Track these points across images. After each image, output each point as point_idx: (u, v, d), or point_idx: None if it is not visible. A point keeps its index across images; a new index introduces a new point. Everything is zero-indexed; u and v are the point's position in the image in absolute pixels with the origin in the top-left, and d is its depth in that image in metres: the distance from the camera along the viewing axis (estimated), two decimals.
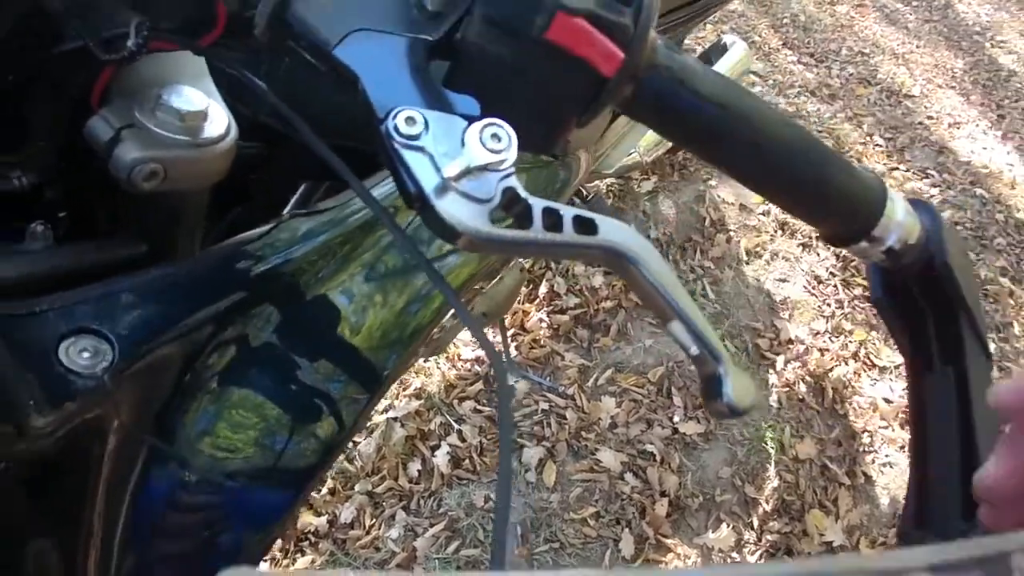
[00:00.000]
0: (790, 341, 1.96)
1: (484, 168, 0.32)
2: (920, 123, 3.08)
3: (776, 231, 2.25)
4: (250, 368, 0.45)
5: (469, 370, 1.73)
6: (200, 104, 0.38)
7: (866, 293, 2.15)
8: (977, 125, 3.21)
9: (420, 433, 1.60)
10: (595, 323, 1.90)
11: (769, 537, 1.61)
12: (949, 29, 4.13)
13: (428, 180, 0.32)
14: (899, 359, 1.93)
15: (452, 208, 0.32)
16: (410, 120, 0.32)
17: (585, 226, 0.34)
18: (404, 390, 1.67)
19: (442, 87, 0.35)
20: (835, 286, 2.14)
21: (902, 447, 1.80)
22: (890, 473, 1.76)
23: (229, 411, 0.44)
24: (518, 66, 0.34)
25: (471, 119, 0.33)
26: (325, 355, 0.49)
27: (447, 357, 1.74)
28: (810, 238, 2.23)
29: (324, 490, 1.54)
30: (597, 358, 1.83)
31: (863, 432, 1.81)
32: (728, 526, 1.61)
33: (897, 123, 3.02)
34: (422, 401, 1.65)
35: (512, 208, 0.33)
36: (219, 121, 0.40)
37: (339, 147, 0.38)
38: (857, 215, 0.43)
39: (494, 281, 1.18)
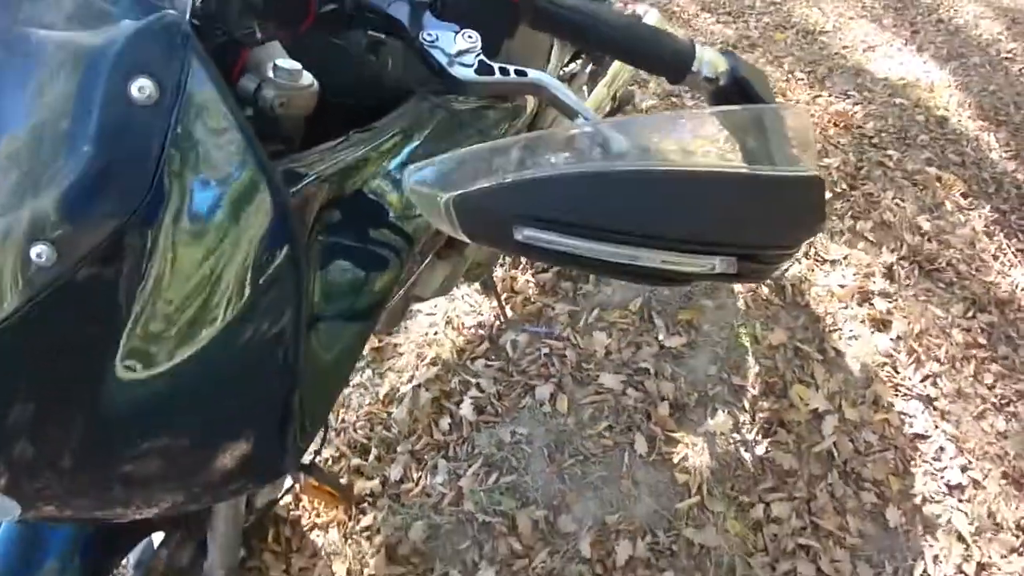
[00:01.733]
0: None
1: (467, 51, 0.67)
2: (836, 53, 3.37)
3: None
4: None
5: (475, 334, 1.99)
6: (296, 66, 0.66)
7: None
8: (891, 45, 3.49)
9: (443, 393, 1.85)
10: (575, 275, 2.16)
11: (761, 415, 1.84)
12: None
13: (443, 59, 0.67)
14: (845, 251, 2.19)
15: (455, 71, 0.67)
16: (431, 35, 0.68)
17: (522, 73, 0.67)
18: (421, 361, 1.93)
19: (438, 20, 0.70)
20: None
21: (862, 321, 2.05)
22: (856, 344, 2.01)
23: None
24: (475, 7, 0.68)
25: (455, 31, 0.68)
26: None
27: (453, 327, 2.01)
28: None
29: (371, 457, 1.78)
30: (583, 303, 2.09)
31: (826, 315, 2.06)
32: (724, 412, 1.85)
33: (815, 57, 3.32)
34: (439, 367, 1.91)
35: (483, 71, 0.67)
36: (306, 77, 0.67)
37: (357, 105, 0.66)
38: (680, 57, 0.69)
39: None
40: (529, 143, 0.52)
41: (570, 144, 0.52)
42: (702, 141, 0.52)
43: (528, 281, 2.14)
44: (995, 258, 2.28)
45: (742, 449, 1.79)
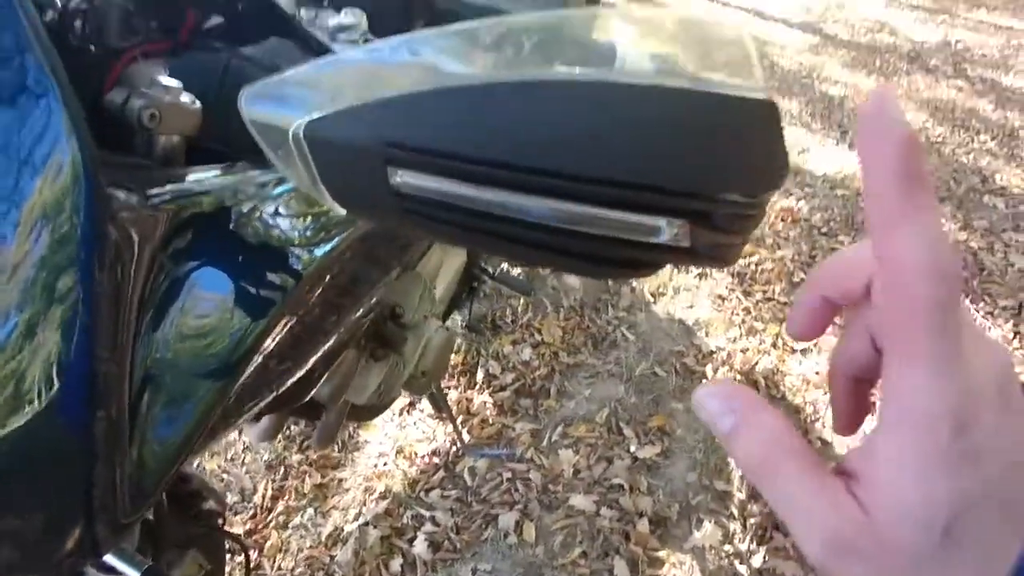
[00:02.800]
0: (712, 352, 2.10)
1: (350, 27, 0.62)
2: None
3: (671, 269, 2.45)
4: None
5: (429, 462, 1.81)
6: (175, 83, 0.62)
7: (766, 295, 2.34)
8: (823, 145, 3.58)
9: (394, 531, 1.64)
10: (535, 391, 2.01)
11: (752, 520, 1.66)
12: (779, 81, 4.65)
13: (323, 37, 0.64)
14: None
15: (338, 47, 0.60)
16: (310, 12, 0.66)
17: None
18: (369, 496, 1.73)
19: None
20: (737, 298, 2.32)
21: None
22: None
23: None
24: None
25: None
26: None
27: (404, 456, 1.82)
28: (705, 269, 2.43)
29: None
30: (545, 419, 1.93)
31: (805, 404, 1.92)
32: (711, 522, 1.66)
33: None
34: (389, 501, 1.71)
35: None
36: (186, 96, 0.62)
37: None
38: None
39: (423, 342, 1.29)
40: (409, 45, 0.40)
41: (466, 46, 0.39)
42: (626, 46, 0.39)
43: (485, 402, 1.98)
44: None
45: (737, 562, 1.59)
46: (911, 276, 0.22)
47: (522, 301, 2.30)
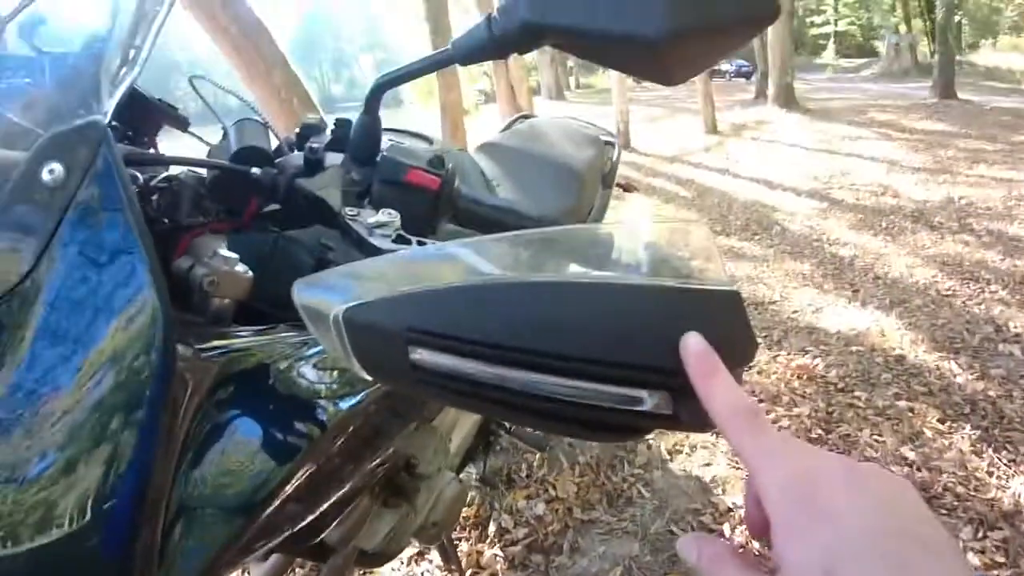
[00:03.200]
0: (729, 510, 2.06)
1: (386, 224, 0.72)
2: (788, 318, 3.50)
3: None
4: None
5: None
6: (233, 255, 0.71)
7: None
8: (836, 304, 3.64)
9: None
10: (547, 546, 1.97)
11: None
12: (791, 246, 4.80)
13: (362, 231, 0.72)
14: None
15: (374, 240, 0.70)
16: (353, 211, 0.75)
17: (420, 243, 0.72)
18: None
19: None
20: None
21: None
22: None
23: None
24: (398, 196, 0.76)
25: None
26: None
27: None
28: None
29: None
30: None
31: None
32: None
33: (768, 324, 3.43)
34: None
35: (400, 242, 0.71)
36: (241, 266, 0.72)
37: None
38: None
39: (436, 493, 1.31)
40: (423, 254, 0.49)
41: (480, 253, 0.48)
42: (618, 254, 0.48)
43: (496, 555, 1.93)
44: (990, 474, 2.14)
45: None
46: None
47: (537, 456, 2.30)
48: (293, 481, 0.70)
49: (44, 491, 0.50)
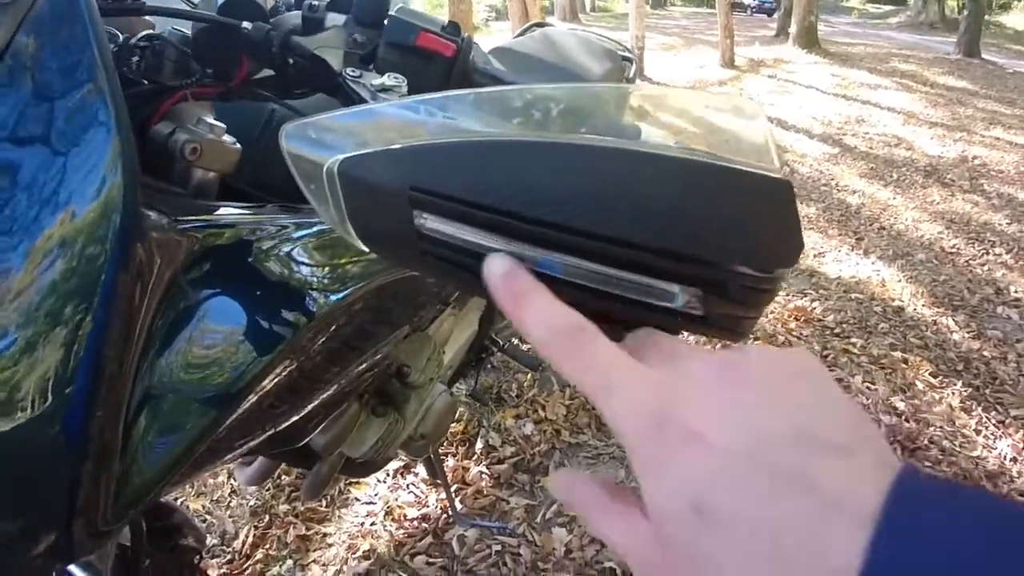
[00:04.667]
0: None
1: (391, 88, 0.64)
2: None
3: None
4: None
5: (417, 527, 1.77)
6: (220, 124, 0.64)
7: None
8: (839, 251, 3.61)
9: None
10: (533, 466, 1.98)
11: None
12: (799, 188, 4.73)
13: (366, 93, 0.65)
14: None
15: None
16: (354, 71, 0.66)
17: None
18: (352, 554, 1.69)
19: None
20: None
21: None
22: None
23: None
24: (407, 60, 0.67)
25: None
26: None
27: (393, 518, 1.78)
28: None
29: None
30: (541, 496, 1.89)
31: None
32: None
33: None
34: (371, 562, 1.66)
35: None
36: (228, 137, 0.65)
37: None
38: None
39: (426, 405, 1.28)
40: (442, 102, 0.42)
41: (498, 105, 0.42)
42: (654, 120, 0.42)
43: (481, 472, 1.94)
44: (977, 432, 2.16)
45: None
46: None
47: (529, 376, 2.29)
48: (273, 375, 0.66)
49: (8, 370, 0.47)
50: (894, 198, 4.57)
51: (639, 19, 9.23)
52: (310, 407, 0.84)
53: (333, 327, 0.75)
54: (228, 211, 0.65)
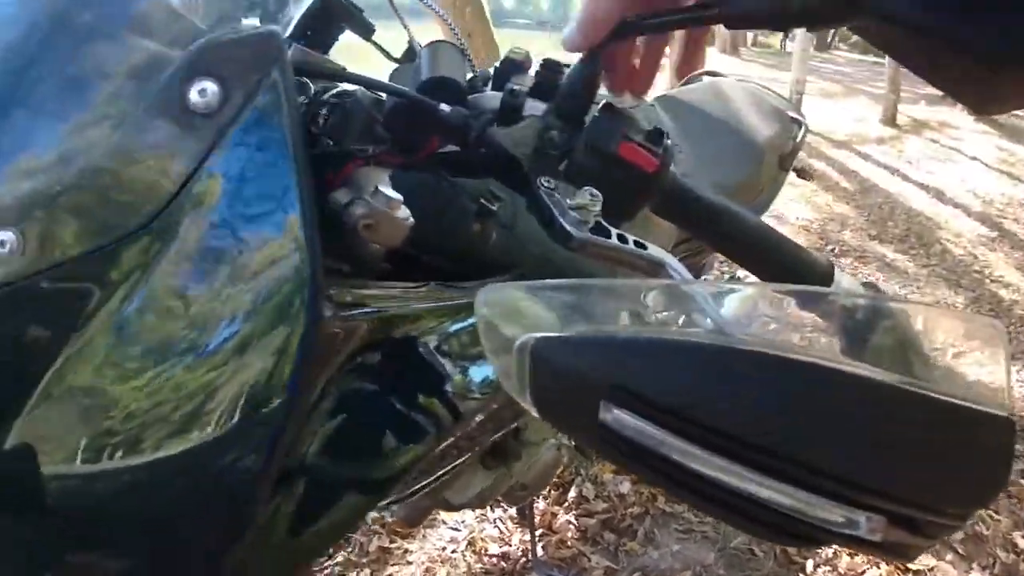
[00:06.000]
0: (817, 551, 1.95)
1: (586, 207, 0.58)
2: None
3: None
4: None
5: (496, 565, 1.75)
6: (397, 196, 0.62)
7: None
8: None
9: None
10: (622, 528, 1.93)
11: None
12: (948, 271, 4.43)
13: (557, 210, 0.58)
14: (932, 562, 1.91)
15: (568, 224, 0.56)
16: (550, 182, 0.61)
17: (641, 246, 0.57)
18: None
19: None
20: None
21: None
22: None
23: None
24: (602, 171, 0.61)
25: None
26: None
27: (475, 550, 1.77)
28: None
29: None
30: (624, 561, 1.83)
31: None
32: None
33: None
34: None
35: (599, 232, 0.57)
36: (404, 210, 0.63)
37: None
38: (815, 280, 0.59)
39: (534, 457, 1.27)
40: (657, 291, 0.39)
41: (717, 304, 0.39)
42: (882, 340, 0.37)
43: (569, 522, 1.91)
44: None
45: None
46: None
47: None
48: (418, 463, 0.64)
49: (215, 371, 0.45)
50: None
51: (802, 61, 8.90)
52: (436, 476, 0.84)
53: (476, 418, 0.74)
54: (391, 294, 0.64)
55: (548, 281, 0.40)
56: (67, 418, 0.42)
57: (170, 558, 0.48)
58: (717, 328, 0.37)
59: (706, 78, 2.15)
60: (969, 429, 0.33)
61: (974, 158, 8.48)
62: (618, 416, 0.35)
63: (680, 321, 0.39)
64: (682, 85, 2.09)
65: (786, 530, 0.36)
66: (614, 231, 0.58)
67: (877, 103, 10.69)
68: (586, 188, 0.60)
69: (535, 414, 0.40)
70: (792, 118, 1.98)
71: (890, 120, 9.98)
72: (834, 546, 0.36)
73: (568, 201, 0.59)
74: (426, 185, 0.77)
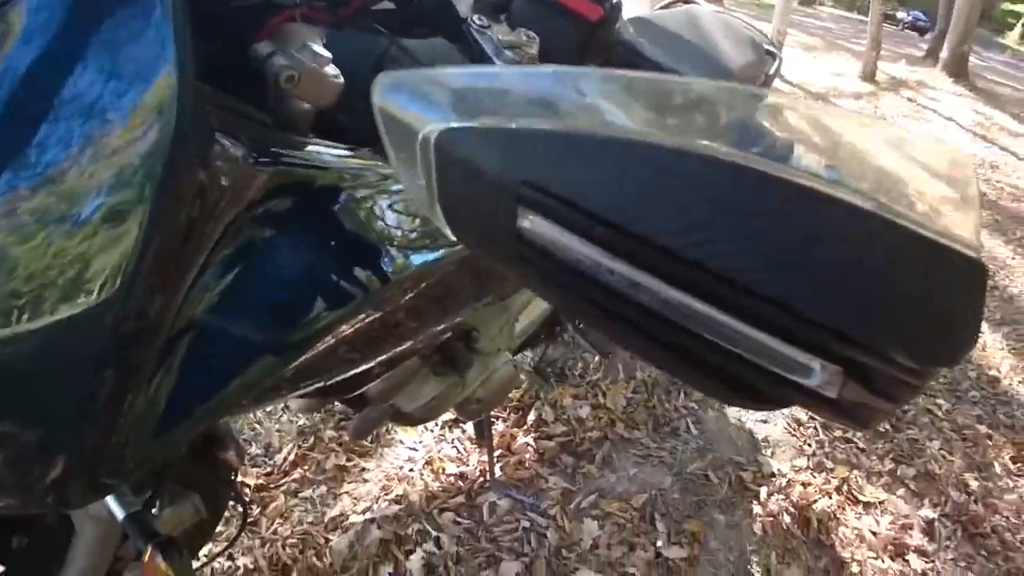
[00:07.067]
0: (772, 475, 1.98)
1: (520, 47, 0.56)
2: None
3: None
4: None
5: (453, 484, 1.75)
6: (325, 53, 0.58)
7: (846, 434, 2.20)
8: None
9: (396, 537, 1.58)
10: (580, 451, 1.93)
11: None
12: None
13: (490, 48, 0.56)
14: (883, 495, 1.95)
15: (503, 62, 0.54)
16: (482, 19, 0.58)
17: None
18: (385, 494, 1.68)
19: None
20: (815, 428, 2.19)
21: None
22: None
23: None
24: (543, 18, 0.59)
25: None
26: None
27: (432, 469, 1.77)
28: None
29: None
30: (581, 483, 1.84)
31: (852, 561, 1.78)
32: None
33: None
34: (402, 507, 1.65)
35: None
36: (332, 68, 0.59)
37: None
38: None
39: (488, 371, 1.24)
40: (584, 79, 0.35)
41: (653, 96, 0.34)
42: (837, 152, 0.34)
43: (528, 444, 1.91)
44: None
45: None
46: None
47: (596, 359, 2.23)
48: (352, 323, 0.62)
49: (87, 240, 0.41)
50: (1013, 258, 4.26)
51: (784, 12, 8.81)
52: (378, 359, 0.81)
53: (424, 284, 0.71)
54: (315, 149, 0.60)
55: (464, 67, 0.36)
56: None
57: (49, 421, 0.45)
58: (646, 124, 0.34)
59: (681, 5, 2.10)
60: (939, 267, 0.30)
61: (949, 119, 8.52)
62: (534, 223, 0.31)
63: (602, 118, 0.34)
64: (657, 9, 2.05)
65: (727, 376, 0.32)
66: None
67: (858, 59, 10.66)
68: (520, 29, 0.57)
69: (442, 223, 0.36)
70: (767, 51, 1.94)
71: (869, 76, 9.97)
72: (791, 407, 0.32)
73: (501, 37, 0.56)
74: (364, 45, 0.72)
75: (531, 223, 0.32)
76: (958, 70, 11.79)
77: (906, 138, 0.37)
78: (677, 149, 0.30)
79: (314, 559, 1.51)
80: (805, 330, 0.29)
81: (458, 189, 0.34)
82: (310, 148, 0.59)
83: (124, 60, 0.41)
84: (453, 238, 0.37)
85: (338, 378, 0.74)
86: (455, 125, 0.33)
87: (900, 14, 27.24)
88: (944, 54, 12.13)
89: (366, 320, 0.65)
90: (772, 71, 1.95)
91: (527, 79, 0.37)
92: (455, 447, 1.86)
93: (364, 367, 0.79)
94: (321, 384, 0.71)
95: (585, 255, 0.31)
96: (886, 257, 0.30)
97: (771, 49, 1.96)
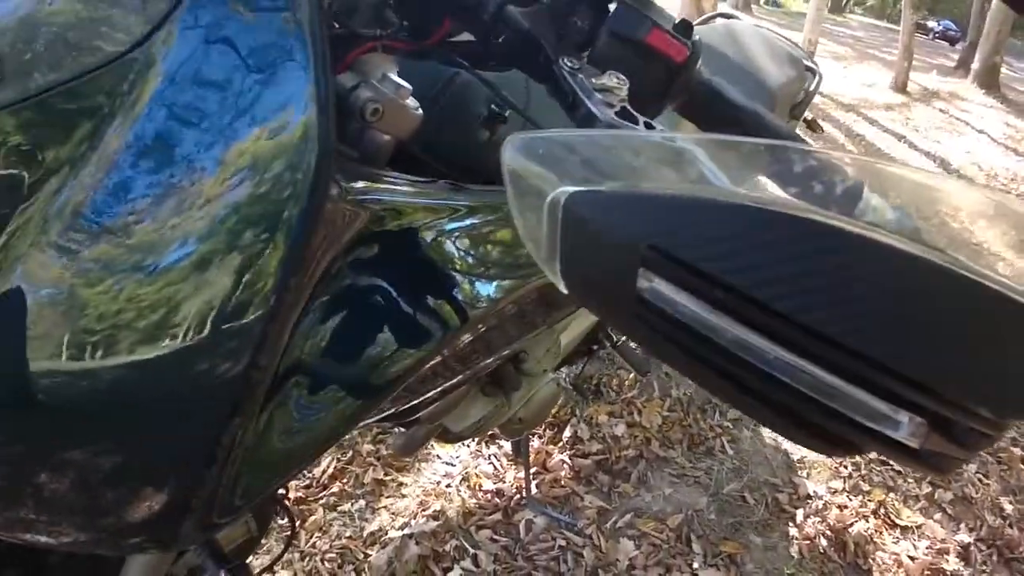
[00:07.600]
0: (808, 496, 1.97)
1: (611, 90, 0.56)
2: None
3: None
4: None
5: (490, 501, 1.76)
6: (406, 85, 0.58)
7: (881, 457, 2.18)
8: None
9: (434, 554, 1.59)
10: (616, 469, 1.93)
11: None
12: None
13: (580, 92, 0.56)
14: (920, 519, 1.93)
15: (593, 106, 0.54)
16: (573, 63, 0.59)
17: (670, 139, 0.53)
18: (423, 510, 1.69)
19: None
20: None
21: None
22: None
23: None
24: (629, 58, 0.59)
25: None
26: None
27: (469, 485, 1.78)
28: None
29: None
30: (617, 502, 1.84)
31: None
32: None
33: None
34: (439, 523, 1.66)
35: (624, 117, 0.54)
36: (413, 100, 0.59)
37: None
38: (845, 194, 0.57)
39: (532, 391, 1.25)
40: (705, 145, 0.36)
41: (778, 161, 0.36)
42: (965, 224, 0.35)
43: (563, 462, 1.91)
44: None
45: None
46: None
47: (632, 376, 2.23)
48: (419, 369, 0.61)
49: (172, 287, 0.41)
50: None
51: (816, 21, 8.76)
52: (433, 393, 0.82)
53: (496, 317, 0.71)
54: (400, 184, 0.59)
55: (581, 131, 0.37)
56: (45, 310, 0.40)
57: (161, 459, 0.45)
58: (759, 191, 0.35)
59: (720, 20, 2.09)
60: (1020, 324, 0.30)
61: (981, 131, 8.41)
62: (656, 286, 0.32)
63: (725, 184, 0.35)
64: (696, 25, 2.04)
65: (824, 429, 0.33)
66: (641, 118, 0.53)
67: (888, 69, 10.56)
68: (611, 71, 0.57)
69: (558, 280, 0.36)
70: (807, 67, 1.94)
71: (900, 87, 9.87)
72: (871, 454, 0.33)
73: (593, 80, 0.56)
74: (435, 75, 0.73)
75: (651, 285, 0.33)
76: (990, 81, 11.63)
77: (1004, 203, 0.38)
78: (800, 219, 0.31)
79: (353, 575, 1.53)
80: (899, 386, 0.30)
81: (581, 249, 0.35)
82: (393, 182, 0.58)
83: (264, 100, 0.42)
84: (565, 291, 0.38)
85: (404, 408, 0.75)
86: (584, 188, 0.34)
87: (931, 23, 26.97)
88: (975, 65, 11.98)
89: (432, 362, 0.66)
90: (812, 87, 1.94)
91: (655, 142, 0.38)
92: (491, 463, 1.86)
93: (417, 400, 0.80)
94: (386, 413, 0.72)
95: (701, 319, 0.32)
96: (981, 321, 0.31)
97: (811, 65, 1.95)
